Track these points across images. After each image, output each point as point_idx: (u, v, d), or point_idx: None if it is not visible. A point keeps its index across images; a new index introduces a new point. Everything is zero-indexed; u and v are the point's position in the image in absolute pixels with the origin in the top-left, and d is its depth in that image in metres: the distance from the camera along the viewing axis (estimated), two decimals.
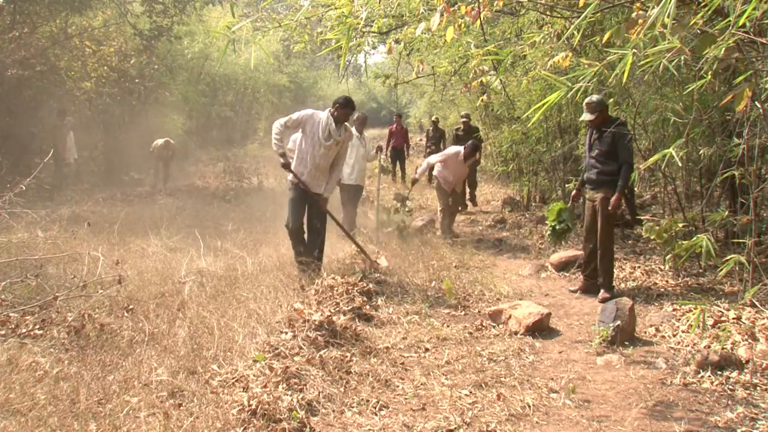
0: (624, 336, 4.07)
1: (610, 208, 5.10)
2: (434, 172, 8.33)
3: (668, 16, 2.31)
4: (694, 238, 3.98)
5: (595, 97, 5.12)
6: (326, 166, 5.42)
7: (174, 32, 13.26)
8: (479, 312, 4.89)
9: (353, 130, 7.90)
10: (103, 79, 12.75)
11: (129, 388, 3.06)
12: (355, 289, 4.77)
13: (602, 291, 5.20)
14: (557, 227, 5.79)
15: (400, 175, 14.09)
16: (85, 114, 13.08)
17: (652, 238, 5.15)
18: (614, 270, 5.42)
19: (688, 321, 4.23)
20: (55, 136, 10.89)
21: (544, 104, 2.82)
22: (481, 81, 5.14)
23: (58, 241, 5.71)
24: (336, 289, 4.72)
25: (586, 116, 5.15)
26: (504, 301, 5.03)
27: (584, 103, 5.18)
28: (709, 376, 3.45)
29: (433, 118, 14.64)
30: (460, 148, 7.99)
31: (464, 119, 10.89)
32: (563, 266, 6.30)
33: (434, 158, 8.35)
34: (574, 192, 5.69)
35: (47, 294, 4.28)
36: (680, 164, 4.25)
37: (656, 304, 4.98)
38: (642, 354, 3.91)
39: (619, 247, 6.99)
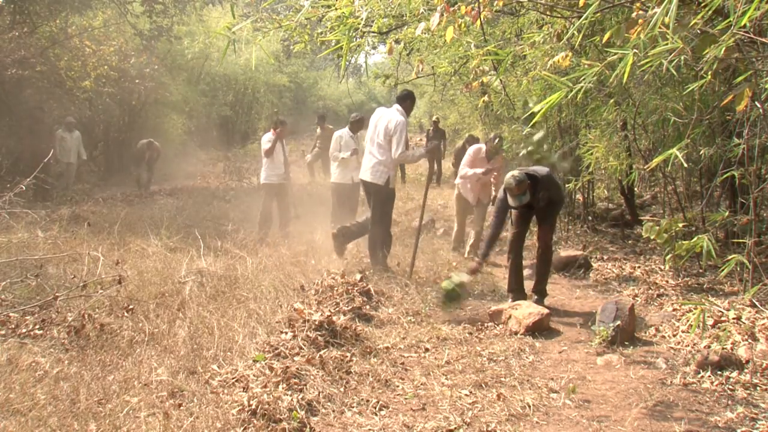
0: (624, 336, 4.07)
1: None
2: (456, 181, 7.13)
3: (669, 17, 2.31)
4: (695, 238, 3.99)
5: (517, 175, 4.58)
6: None
7: (174, 32, 13.26)
8: (478, 311, 4.89)
9: (347, 130, 7.93)
10: (103, 79, 12.74)
11: (129, 388, 3.06)
12: (355, 289, 4.77)
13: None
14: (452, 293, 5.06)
15: (400, 175, 14.10)
16: (85, 114, 13.08)
17: (652, 238, 5.15)
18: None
19: (688, 321, 4.23)
20: (47, 137, 10.91)
21: (544, 105, 2.82)
22: (482, 81, 5.12)
23: (58, 241, 5.72)
24: (336, 289, 4.72)
25: (521, 200, 4.62)
26: (504, 301, 5.03)
27: (514, 187, 4.57)
28: (709, 376, 3.45)
29: (434, 118, 14.67)
30: (482, 145, 6.79)
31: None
32: (563, 266, 6.30)
33: (464, 169, 6.73)
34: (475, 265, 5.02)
35: (47, 294, 4.28)
36: (685, 165, 4.24)
37: (656, 304, 4.98)
38: (642, 354, 3.91)
39: (620, 247, 7.00)
